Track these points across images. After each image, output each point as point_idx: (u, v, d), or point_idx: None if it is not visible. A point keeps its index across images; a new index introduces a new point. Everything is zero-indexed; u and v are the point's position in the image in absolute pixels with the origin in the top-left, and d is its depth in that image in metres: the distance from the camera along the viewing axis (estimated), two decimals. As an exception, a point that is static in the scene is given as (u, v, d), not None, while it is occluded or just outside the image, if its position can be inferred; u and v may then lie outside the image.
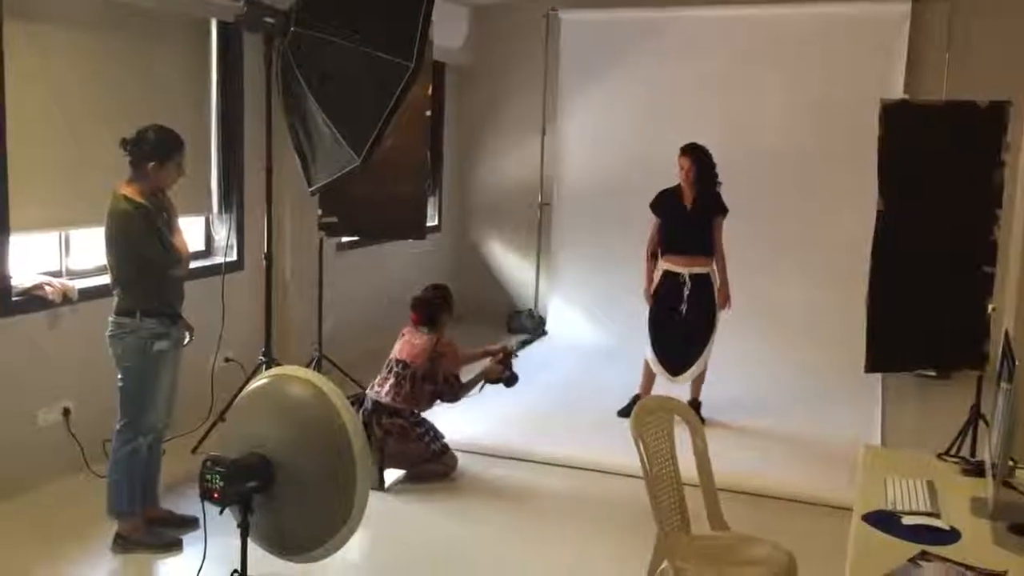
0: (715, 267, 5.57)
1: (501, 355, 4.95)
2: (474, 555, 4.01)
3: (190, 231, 4.84)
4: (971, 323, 4.38)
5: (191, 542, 3.87)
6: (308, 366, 5.24)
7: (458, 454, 4.85)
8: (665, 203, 5.62)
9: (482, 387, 4.88)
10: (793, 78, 7.09)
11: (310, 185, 4.69)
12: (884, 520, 2.54)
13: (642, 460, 2.93)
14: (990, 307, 4.35)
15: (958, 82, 6.47)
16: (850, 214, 6.28)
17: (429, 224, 7.69)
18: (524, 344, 5.26)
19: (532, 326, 7.99)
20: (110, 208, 3.73)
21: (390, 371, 4.75)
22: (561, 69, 7.78)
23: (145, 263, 3.74)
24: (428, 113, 6.30)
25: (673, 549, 2.94)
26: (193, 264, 4.18)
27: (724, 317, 5.61)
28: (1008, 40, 6.57)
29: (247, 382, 4.12)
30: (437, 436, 4.78)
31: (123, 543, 3.84)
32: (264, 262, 4.97)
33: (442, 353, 4.74)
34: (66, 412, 4.52)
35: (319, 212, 5.73)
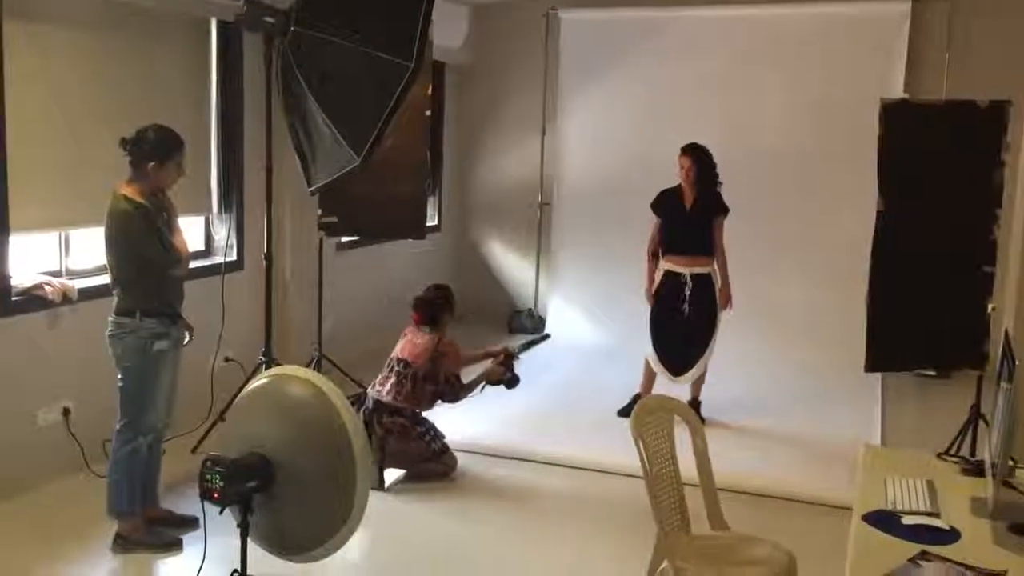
0: (716, 267, 5.57)
1: (502, 357, 4.95)
2: (474, 555, 4.01)
3: (190, 231, 4.83)
4: (971, 323, 4.38)
5: (191, 542, 3.87)
6: (308, 366, 5.24)
7: (458, 454, 4.85)
8: (666, 203, 5.62)
9: (483, 388, 4.89)
10: (793, 78, 7.09)
11: (310, 185, 4.69)
12: (884, 520, 2.54)
13: (642, 460, 2.93)
14: (990, 307, 4.35)
15: (958, 82, 6.47)
16: (850, 214, 6.27)
17: (429, 224, 7.69)
18: (527, 346, 5.26)
19: (532, 326, 7.99)
20: (110, 208, 3.73)
21: (391, 370, 4.75)
22: (561, 69, 7.77)
23: (145, 263, 3.74)
24: (428, 113, 6.30)
25: (673, 549, 2.94)
26: (193, 264, 4.18)
27: (725, 317, 5.61)
28: (1008, 40, 6.57)
29: (247, 382, 4.12)
30: (437, 436, 4.78)
31: (123, 543, 3.84)
32: (264, 262, 4.97)
33: (444, 353, 4.74)
34: (66, 412, 4.52)
35: (319, 212, 5.73)
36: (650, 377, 5.72)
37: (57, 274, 4.61)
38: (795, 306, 7.07)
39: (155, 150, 3.72)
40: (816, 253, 7.06)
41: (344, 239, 6.64)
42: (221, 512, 3.21)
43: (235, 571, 3.35)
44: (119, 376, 3.79)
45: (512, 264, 8.41)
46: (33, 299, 4.36)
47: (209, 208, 5.59)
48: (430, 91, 6.39)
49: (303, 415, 3.17)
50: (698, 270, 5.52)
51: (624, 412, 5.56)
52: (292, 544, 3.27)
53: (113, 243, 3.74)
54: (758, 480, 4.70)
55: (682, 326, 5.55)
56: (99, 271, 4.50)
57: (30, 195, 4.35)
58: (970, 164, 4.29)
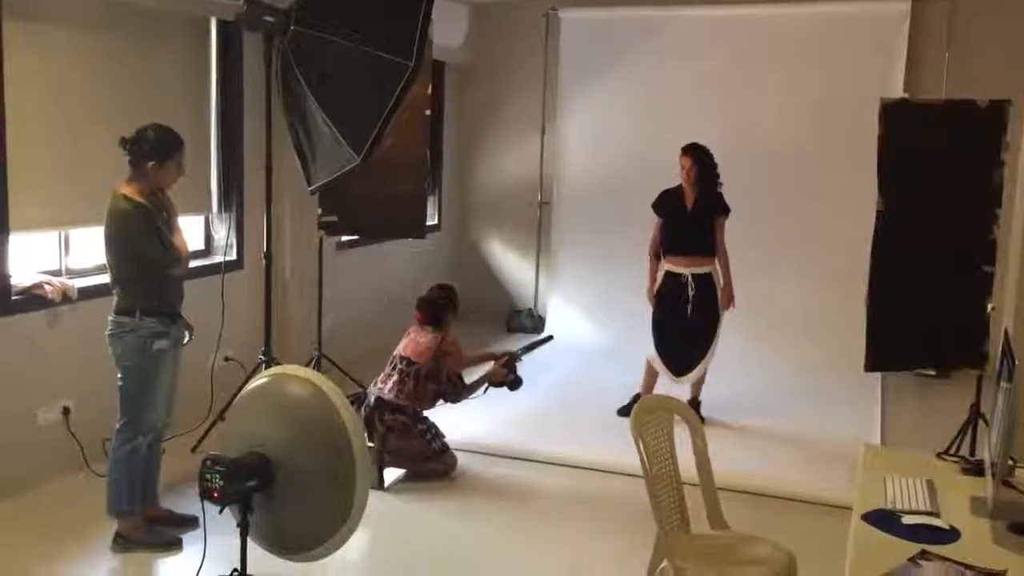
0: (718, 267, 5.56)
1: (505, 359, 4.96)
2: (474, 554, 4.01)
3: (190, 230, 4.83)
4: (971, 322, 4.38)
5: (191, 541, 3.87)
6: (308, 365, 5.24)
7: (458, 453, 4.85)
8: (667, 203, 5.62)
9: (486, 390, 4.90)
10: (793, 77, 7.09)
11: (310, 184, 4.69)
12: (884, 519, 2.54)
13: (642, 459, 2.93)
14: (990, 306, 4.35)
15: (958, 81, 6.47)
16: (850, 213, 6.27)
17: (429, 223, 7.69)
18: (529, 348, 5.26)
19: (532, 325, 7.99)
20: (110, 207, 3.73)
21: (394, 368, 4.76)
22: (561, 68, 7.77)
23: (145, 262, 3.74)
24: (428, 112, 6.29)
25: (673, 548, 2.94)
26: (193, 263, 4.17)
27: (727, 316, 5.61)
28: (1008, 39, 6.56)
29: (247, 381, 4.12)
30: (438, 435, 4.78)
31: (123, 542, 3.84)
32: (264, 261, 4.97)
33: (446, 352, 4.75)
34: (66, 411, 4.52)
35: (319, 211, 5.73)
36: (651, 377, 5.72)
37: (57, 273, 4.61)
38: (795, 306, 7.07)
39: (155, 149, 3.72)
40: (816, 253, 7.06)
41: (344, 238, 6.64)
42: (221, 511, 3.21)
43: (235, 570, 3.35)
44: (119, 375, 3.79)
45: (512, 263, 8.41)
46: (33, 298, 4.36)
47: (209, 207, 5.59)
48: (430, 90, 6.38)
49: (303, 414, 3.17)
50: (699, 270, 5.52)
51: (624, 411, 5.56)
52: (292, 543, 3.27)
53: (113, 242, 3.74)
54: (758, 480, 4.70)
55: (684, 327, 5.55)
56: (99, 270, 4.50)
57: (30, 194, 4.35)
58: (970, 164, 4.29)
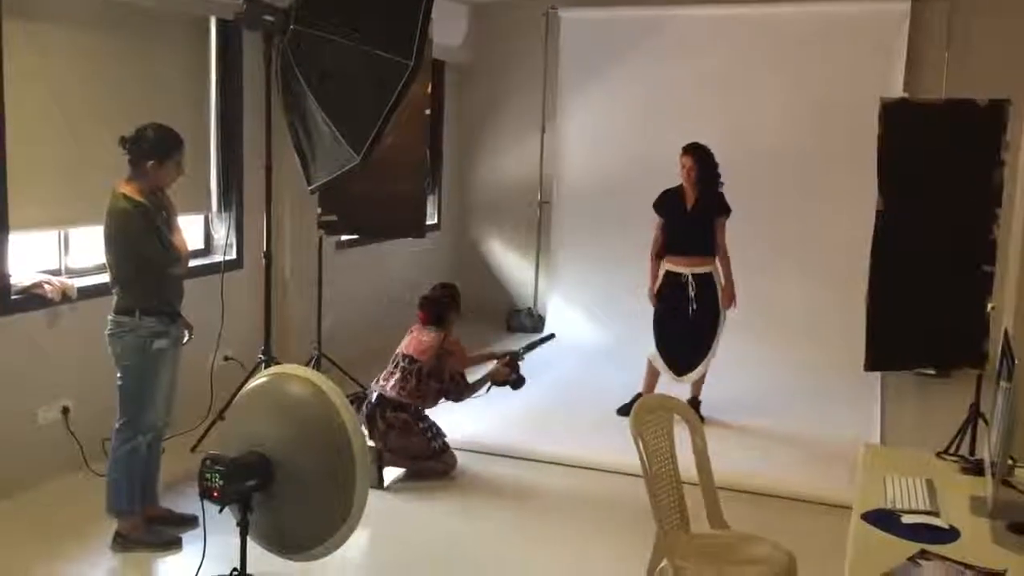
0: (718, 267, 5.56)
1: (508, 358, 4.97)
2: (474, 554, 4.01)
3: (189, 230, 4.83)
4: (971, 322, 4.37)
5: (191, 541, 3.86)
6: (307, 365, 5.24)
7: (458, 452, 4.85)
8: (667, 203, 5.61)
9: (489, 389, 4.91)
10: (793, 77, 7.09)
11: (309, 184, 4.69)
12: (883, 519, 2.54)
13: (642, 459, 2.93)
14: (989, 306, 4.35)
15: (958, 81, 6.47)
16: (850, 213, 6.27)
17: (429, 222, 7.69)
18: (532, 347, 5.27)
19: (532, 325, 7.99)
20: (109, 207, 3.73)
21: (396, 366, 4.76)
22: (561, 67, 7.77)
23: (144, 262, 3.74)
24: (428, 111, 6.30)
25: (673, 548, 2.94)
26: (192, 263, 4.17)
27: (728, 316, 5.60)
28: (1008, 39, 6.56)
29: (246, 381, 4.12)
30: (439, 434, 4.79)
31: (123, 542, 3.84)
32: (263, 260, 4.97)
33: (449, 351, 4.76)
34: (65, 411, 4.52)
35: (318, 210, 5.73)
36: (652, 377, 5.72)
37: (56, 273, 4.61)
38: (795, 305, 7.06)
39: (154, 149, 3.72)
40: (816, 252, 7.06)
41: (343, 238, 6.64)
42: (221, 511, 3.21)
43: (235, 570, 3.35)
44: (118, 375, 3.79)
45: (512, 263, 8.41)
46: (33, 298, 4.36)
47: (209, 207, 5.59)
48: (430, 89, 6.39)
49: (302, 414, 3.17)
50: (699, 270, 5.52)
51: (624, 411, 5.56)
52: (292, 543, 3.27)
53: (112, 242, 3.74)
54: (758, 479, 4.70)
55: (685, 326, 5.55)
56: (98, 270, 4.50)
57: (30, 194, 4.35)
58: (970, 163, 4.28)
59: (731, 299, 5.58)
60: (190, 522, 3.96)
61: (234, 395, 4.14)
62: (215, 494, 3.09)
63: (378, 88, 4.20)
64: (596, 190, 7.66)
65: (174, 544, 3.89)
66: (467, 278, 8.01)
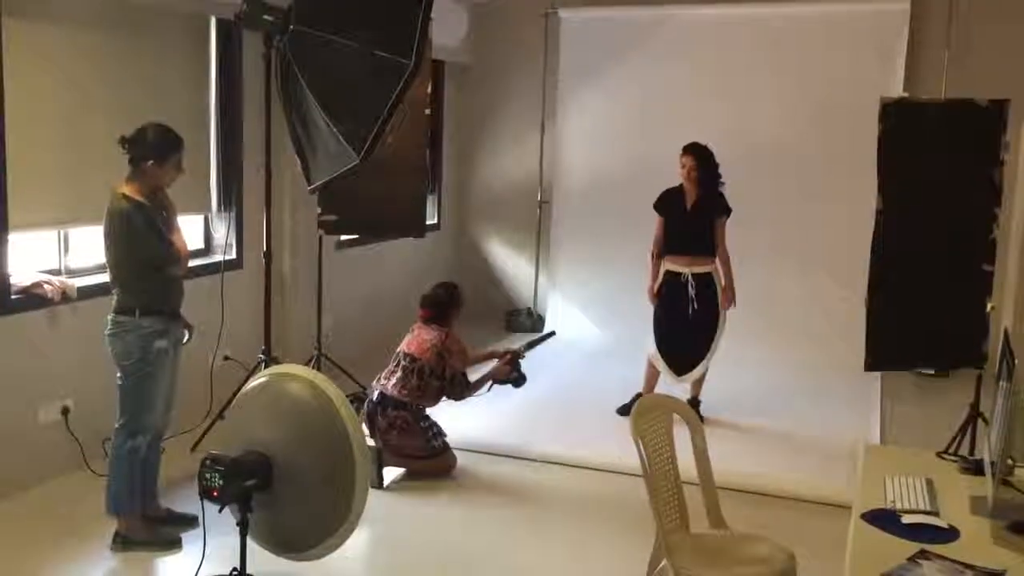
0: (718, 267, 5.56)
1: (509, 356, 4.97)
2: (474, 553, 4.01)
3: (189, 229, 4.83)
4: (970, 322, 4.37)
5: (190, 540, 3.86)
6: (307, 364, 5.24)
7: (458, 452, 4.85)
8: (668, 202, 5.61)
9: (490, 387, 4.91)
10: (792, 77, 7.09)
11: (309, 183, 4.69)
12: (883, 518, 2.54)
13: (641, 458, 2.93)
14: (989, 306, 4.35)
15: (958, 81, 6.46)
16: (850, 213, 6.27)
17: (428, 222, 7.69)
18: (533, 344, 5.28)
19: (531, 325, 7.99)
20: (109, 206, 3.73)
21: (398, 364, 4.76)
22: (560, 67, 7.77)
23: (144, 261, 3.74)
24: (427, 111, 6.29)
25: (673, 547, 2.94)
26: (192, 263, 4.17)
27: (728, 316, 5.60)
28: (1008, 39, 6.56)
29: (246, 380, 4.12)
30: (439, 433, 4.79)
31: (122, 541, 3.84)
32: (263, 260, 4.97)
33: (450, 350, 4.76)
34: (65, 411, 4.52)
35: (318, 210, 5.73)
36: (653, 376, 5.71)
37: (56, 273, 4.61)
38: (795, 305, 7.07)
39: (154, 149, 3.72)
40: (816, 252, 7.07)
41: (343, 237, 6.64)
42: (220, 511, 3.21)
43: (234, 569, 3.35)
44: (118, 375, 3.79)
45: (511, 263, 8.41)
46: (32, 297, 4.36)
47: (208, 207, 5.58)
48: (430, 89, 6.38)
49: (302, 414, 3.17)
50: (699, 270, 5.51)
51: (624, 410, 5.57)
52: (291, 543, 3.27)
53: (112, 242, 3.74)
54: (757, 479, 4.70)
55: (685, 326, 5.54)
56: (98, 270, 4.51)
57: (29, 193, 4.35)
58: (969, 163, 4.28)
59: (730, 300, 5.58)
60: (190, 522, 3.96)
61: (234, 395, 4.14)
62: (215, 494, 3.09)
63: (378, 88, 4.20)
64: (596, 190, 7.66)
65: (174, 544, 3.89)
66: (467, 278, 8.00)
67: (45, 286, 4.39)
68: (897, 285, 4.39)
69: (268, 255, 4.96)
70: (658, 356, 5.64)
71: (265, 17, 4.45)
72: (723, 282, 5.56)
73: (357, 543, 3.78)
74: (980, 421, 4.47)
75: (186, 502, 4.09)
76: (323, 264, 5.89)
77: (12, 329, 4.28)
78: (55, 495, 4.31)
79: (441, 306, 4.86)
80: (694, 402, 5.62)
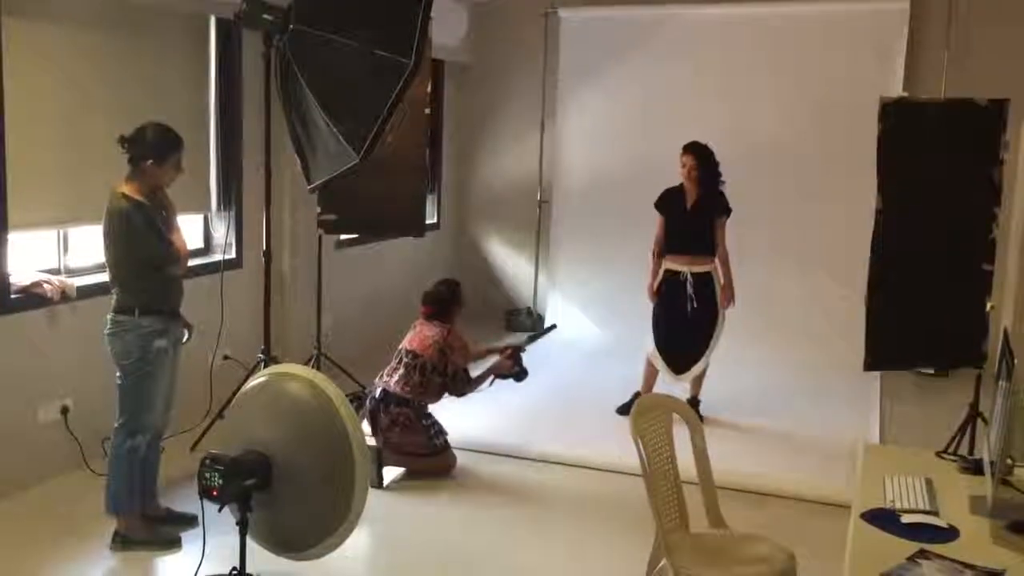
0: (718, 266, 5.56)
1: (510, 351, 4.99)
2: (473, 553, 4.01)
3: (189, 229, 4.83)
4: (970, 322, 4.37)
5: (190, 540, 3.86)
6: (307, 364, 5.24)
7: (458, 451, 4.85)
8: (668, 201, 5.61)
9: (492, 382, 4.91)
10: (792, 77, 7.09)
11: (309, 183, 4.69)
12: (883, 518, 2.54)
13: (641, 458, 2.93)
14: (989, 306, 4.35)
15: (957, 81, 6.46)
16: (849, 213, 6.27)
17: (428, 222, 7.69)
18: (534, 338, 5.28)
19: (531, 324, 7.99)
20: (108, 206, 3.73)
21: (400, 361, 4.77)
22: (560, 67, 7.77)
23: (143, 261, 3.74)
24: (427, 111, 6.29)
25: (672, 547, 2.94)
26: (192, 262, 4.18)
27: (728, 315, 5.60)
28: (1007, 39, 6.56)
29: (246, 380, 4.12)
30: (441, 431, 4.79)
31: (122, 541, 3.84)
32: (263, 260, 4.97)
33: (452, 346, 4.76)
34: (65, 410, 4.52)
35: (318, 209, 5.73)
36: (651, 375, 5.72)
37: (56, 272, 4.61)
38: (794, 305, 7.07)
39: (153, 148, 3.72)
40: (816, 252, 7.07)
41: (343, 237, 6.64)
42: (220, 510, 3.21)
43: (234, 569, 3.35)
44: (118, 374, 3.79)
45: (511, 262, 8.41)
46: (32, 297, 4.36)
47: (208, 206, 5.58)
48: (429, 89, 6.38)
49: (302, 413, 3.17)
50: (698, 269, 5.52)
51: (623, 410, 5.57)
52: (291, 542, 3.27)
53: (112, 241, 3.74)
54: (757, 478, 4.70)
55: (684, 324, 5.55)
56: (98, 269, 4.51)
57: (29, 193, 4.35)
58: (969, 162, 4.29)
59: (729, 300, 5.57)
60: (190, 521, 3.96)
61: (233, 394, 4.14)
62: (214, 493, 3.09)
63: (377, 87, 4.20)
64: (596, 190, 7.66)
65: (174, 543, 3.89)
66: (467, 277, 7.96)
67: (45, 285, 4.39)
68: (897, 285, 4.39)
69: (268, 254, 4.95)
70: (657, 355, 5.64)
71: (265, 16, 4.45)
72: (722, 281, 5.56)
73: (357, 543, 3.78)
74: (979, 421, 4.48)
75: (186, 501, 4.09)
76: (323, 263, 5.90)
77: (11, 328, 4.28)
78: (54, 494, 4.31)
79: (443, 303, 4.87)
80: (693, 401, 5.62)
